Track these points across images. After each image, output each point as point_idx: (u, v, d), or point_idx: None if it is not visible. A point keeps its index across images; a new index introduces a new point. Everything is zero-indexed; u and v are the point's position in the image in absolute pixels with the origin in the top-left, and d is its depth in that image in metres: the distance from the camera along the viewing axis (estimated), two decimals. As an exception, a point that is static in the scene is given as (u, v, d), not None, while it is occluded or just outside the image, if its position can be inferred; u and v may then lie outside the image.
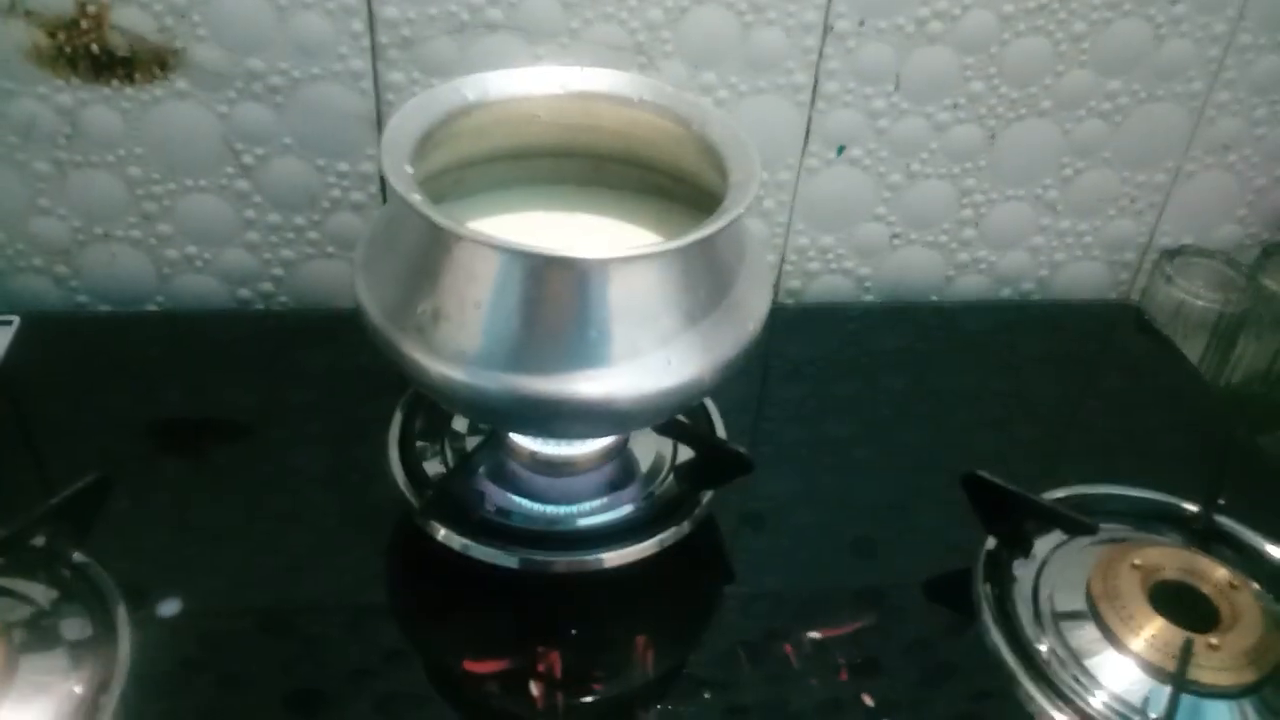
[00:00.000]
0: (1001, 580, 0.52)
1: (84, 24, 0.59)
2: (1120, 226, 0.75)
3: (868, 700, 0.48)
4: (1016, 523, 0.53)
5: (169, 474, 0.57)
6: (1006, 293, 0.77)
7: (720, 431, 0.59)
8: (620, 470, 0.56)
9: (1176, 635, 0.48)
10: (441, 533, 0.51)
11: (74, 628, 0.47)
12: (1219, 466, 0.57)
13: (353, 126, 0.64)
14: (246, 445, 0.59)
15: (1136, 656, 0.48)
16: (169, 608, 0.49)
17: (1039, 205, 0.73)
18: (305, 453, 0.59)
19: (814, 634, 0.50)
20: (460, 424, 0.58)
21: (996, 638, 0.50)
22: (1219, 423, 0.67)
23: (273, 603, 0.51)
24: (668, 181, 0.56)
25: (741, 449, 0.53)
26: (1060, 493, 0.56)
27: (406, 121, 0.49)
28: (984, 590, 0.52)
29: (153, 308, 0.69)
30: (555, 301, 0.44)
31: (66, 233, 0.66)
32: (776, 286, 0.74)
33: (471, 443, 0.57)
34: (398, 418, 0.57)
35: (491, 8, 0.61)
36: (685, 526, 0.53)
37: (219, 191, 0.65)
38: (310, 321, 0.69)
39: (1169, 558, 0.52)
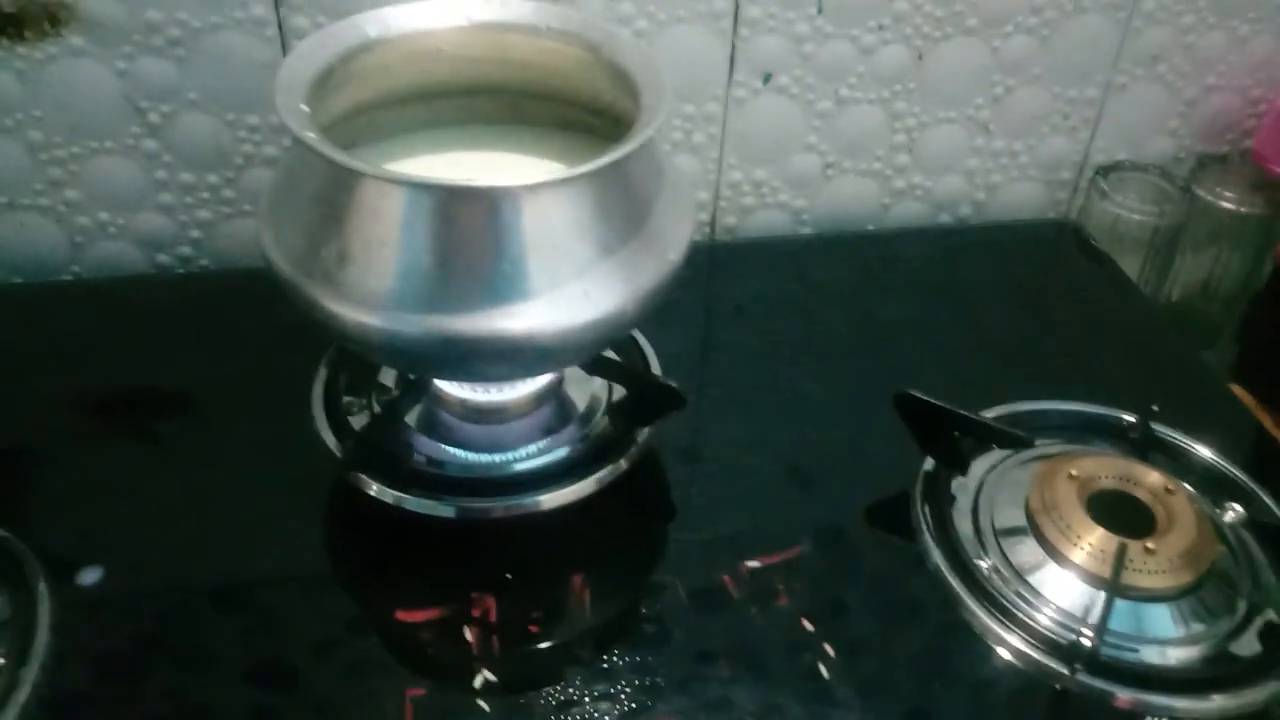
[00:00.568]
0: (940, 501, 0.52)
1: (-37, -21, 0.56)
2: (1054, 145, 0.74)
3: (808, 625, 0.47)
4: (951, 441, 0.52)
5: (94, 448, 0.55)
6: (944, 218, 0.76)
7: (655, 369, 0.58)
8: (554, 414, 0.55)
9: (1114, 543, 0.48)
10: (374, 488, 0.50)
11: (-10, 603, 0.46)
12: (1155, 374, 0.56)
13: (259, 77, 0.61)
14: (173, 414, 0.58)
15: (1077, 567, 0.48)
16: (90, 576, 0.48)
17: (972, 126, 0.72)
18: (234, 419, 0.57)
19: (755, 563, 0.50)
20: (387, 377, 0.57)
21: (937, 558, 0.50)
22: (1157, 336, 0.67)
23: (205, 572, 0.49)
24: (582, 115, 0.54)
25: (672, 383, 0.52)
26: (997, 410, 0.56)
27: (303, 59, 0.47)
28: (923, 511, 0.52)
29: (68, 278, 0.67)
30: (464, 236, 0.43)
31: (-32, 203, 0.63)
32: (712, 224, 0.73)
33: (395, 396, 0.55)
34: (322, 374, 0.56)
35: (395, -56, 0.58)
36: (622, 464, 0.52)
37: (126, 153, 0.63)
38: (232, 283, 0.67)
39: (1105, 467, 0.51)
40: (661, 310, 0.48)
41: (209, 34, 0.60)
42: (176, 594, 0.48)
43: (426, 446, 0.53)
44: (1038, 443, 0.53)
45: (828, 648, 0.46)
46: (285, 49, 0.61)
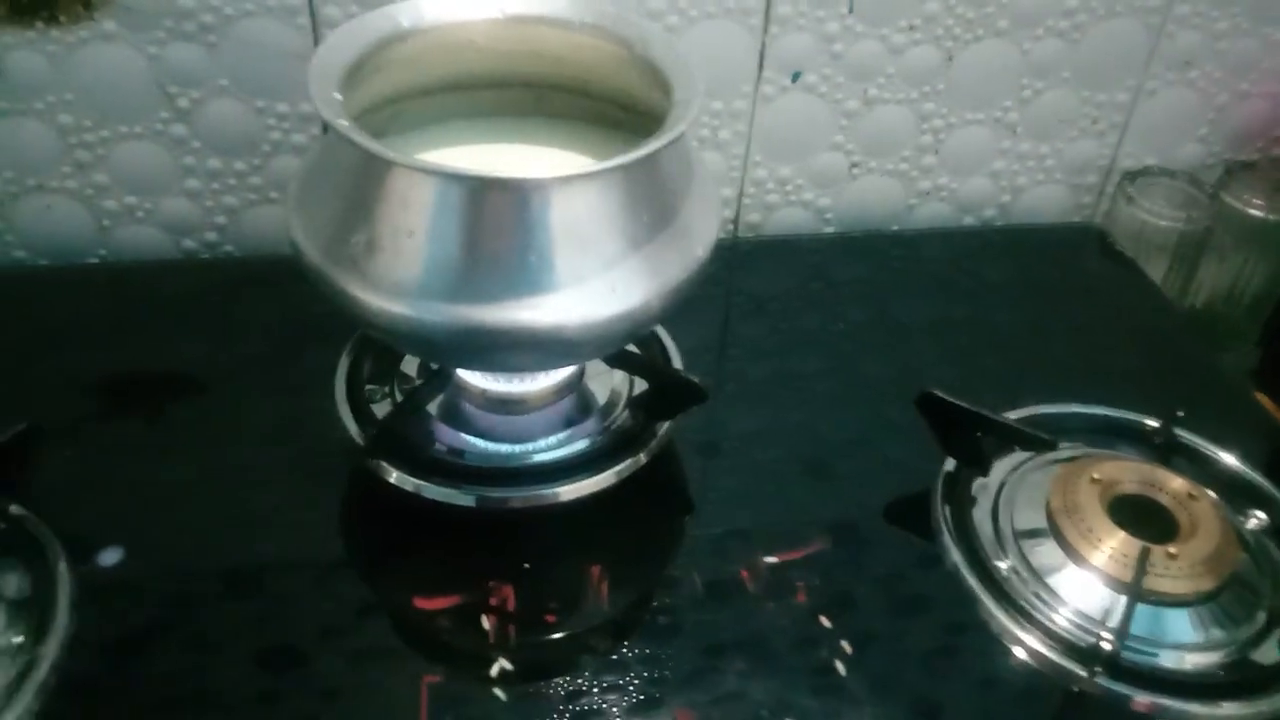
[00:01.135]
0: (960, 501, 0.52)
1: (0, -38, 0.57)
2: (1082, 148, 0.74)
3: (826, 622, 0.47)
4: (973, 442, 0.52)
5: (117, 430, 0.55)
6: (969, 220, 0.76)
7: (676, 363, 0.58)
8: (575, 406, 0.55)
9: (1136, 547, 0.48)
10: (394, 475, 0.50)
11: (11, 583, 0.46)
12: (1179, 380, 0.56)
13: (290, 65, 0.62)
14: (196, 399, 0.58)
15: (1097, 570, 0.48)
16: (110, 557, 0.48)
17: (999, 128, 0.71)
18: (256, 404, 0.57)
19: (772, 559, 0.50)
20: (409, 366, 0.57)
21: (956, 558, 0.50)
22: (1181, 341, 0.67)
23: (227, 556, 0.50)
24: (612, 109, 0.54)
25: (694, 377, 0.52)
26: (1020, 413, 0.55)
27: (336, 48, 0.47)
28: (943, 512, 0.52)
29: (94, 261, 0.67)
30: (492, 227, 0.43)
31: (-2, 185, 0.64)
32: (736, 221, 0.73)
33: (418, 385, 0.55)
34: (344, 363, 0.56)
35: (427, -66, 0.58)
36: (642, 458, 0.52)
37: (155, 138, 0.63)
38: (256, 270, 0.67)
39: (1128, 471, 0.51)
40: (683, 305, 0.48)
41: (241, 21, 0.60)
42: (196, 576, 0.48)
43: (447, 435, 0.53)
44: (1059, 445, 0.53)
45: (845, 644, 0.46)
46: (316, 37, 0.61)
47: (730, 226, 0.73)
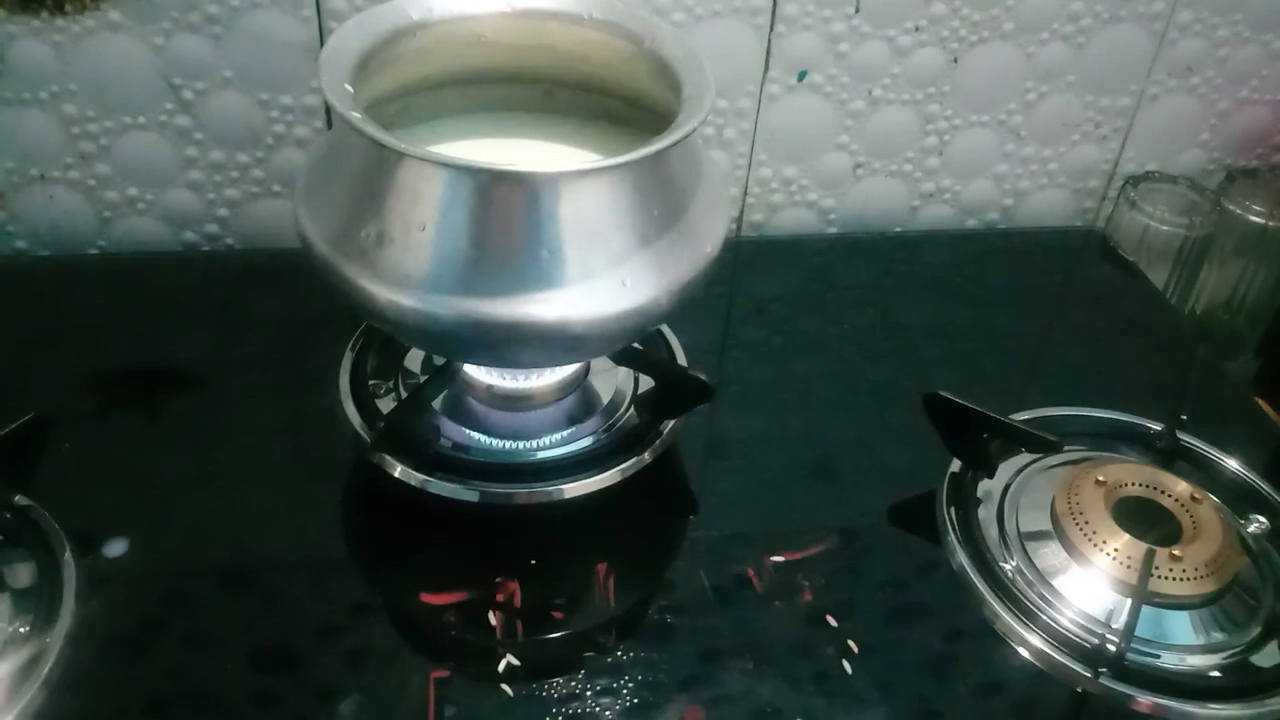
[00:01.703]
0: (966, 503, 0.52)
1: (6, -50, 0.56)
2: (1084, 153, 0.74)
3: (832, 621, 0.47)
4: (980, 443, 0.52)
5: (116, 422, 0.55)
6: (972, 223, 0.76)
7: (682, 362, 0.58)
8: (579, 404, 0.55)
9: (1140, 549, 0.48)
10: (398, 469, 0.50)
11: (17, 573, 0.46)
12: (1182, 384, 0.56)
13: (295, 57, 0.61)
14: (196, 391, 0.58)
15: (1101, 572, 0.48)
16: (115, 548, 0.48)
17: (1003, 131, 0.72)
18: (256, 398, 0.57)
19: (777, 559, 0.50)
20: (413, 362, 0.57)
21: (962, 558, 0.50)
22: (1183, 346, 0.67)
23: (231, 549, 0.49)
24: (620, 106, 0.54)
25: (702, 375, 0.52)
26: (1024, 415, 0.56)
27: (347, 40, 0.47)
28: (948, 513, 0.52)
29: (94, 252, 0.67)
30: (504, 221, 0.43)
31: (0, 174, 0.63)
32: (739, 220, 0.73)
33: (424, 380, 0.55)
34: (348, 358, 0.56)
35: (436, -71, 0.58)
36: (646, 457, 0.52)
37: (158, 129, 0.63)
38: (258, 263, 0.67)
39: (1132, 474, 0.51)
40: (690, 303, 0.48)
41: (246, 13, 0.60)
42: (199, 571, 0.48)
43: (452, 431, 0.53)
44: (1065, 447, 0.53)
45: (851, 644, 0.46)
46: (322, 30, 0.61)
47: (734, 226, 0.73)
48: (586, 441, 0.53)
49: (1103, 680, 0.45)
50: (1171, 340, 0.68)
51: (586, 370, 0.56)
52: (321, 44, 0.61)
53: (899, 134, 0.70)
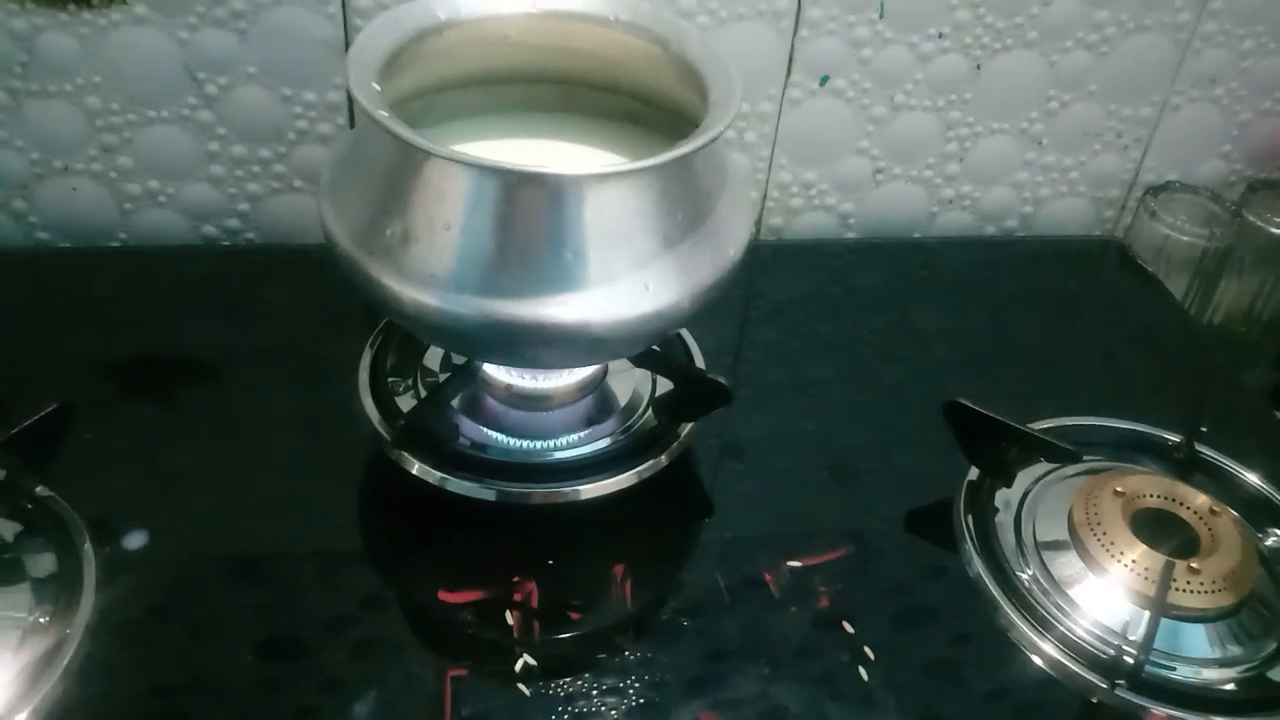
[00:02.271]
0: (983, 511, 0.52)
1: (35, -58, 0.57)
2: (1105, 162, 0.74)
3: (848, 627, 0.47)
4: (999, 452, 0.52)
5: (134, 413, 0.55)
6: (990, 230, 0.76)
7: (700, 365, 0.58)
8: (597, 405, 0.55)
9: (1157, 561, 0.48)
10: (416, 467, 0.50)
11: (38, 562, 0.46)
12: (1201, 396, 0.56)
13: (319, 53, 0.61)
14: (214, 384, 0.58)
15: (1117, 582, 0.48)
16: (135, 540, 0.48)
17: (1024, 139, 0.72)
18: (274, 392, 0.57)
19: (794, 563, 0.50)
20: (432, 360, 0.57)
21: (979, 567, 0.50)
22: (1202, 357, 0.67)
23: (244, 542, 0.50)
24: (643, 108, 0.54)
25: (721, 379, 0.52)
26: (1042, 424, 0.55)
27: (374, 38, 0.47)
28: (966, 521, 0.52)
29: (115, 244, 0.67)
30: (529, 222, 0.43)
31: (24, 166, 0.64)
32: (758, 224, 0.73)
33: (444, 378, 0.55)
34: (368, 355, 0.56)
35: (462, -72, 0.58)
36: (663, 460, 0.52)
37: (181, 123, 0.63)
38: (277, 258, 0.67)
39: (1151, 485, 0.51)
40: (712, 306, 0.48)
41: (272, 8, 0.60)
42: (215, 562, 0.48)
43: (470, 429, 0.53)
44: (1083, 457, 0.53)
45: (867, 650, 0.46)
46: (347, 27, 0.61)
47: (752, 229, 0.73)
48: (604, 443, 0.53)
49: (1119, 692, 0.45)
50: (1190, 351, 0.68)
51: (605, 371, 0.56)
52: (346, 40, 0.61)
53: (920, 140, 0.70)
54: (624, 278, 0.44)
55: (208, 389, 0.57)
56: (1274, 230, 0.70)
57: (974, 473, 0.53)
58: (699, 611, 0.48)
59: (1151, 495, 0.51)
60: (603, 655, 0.46)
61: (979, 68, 0.68)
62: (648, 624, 0.48)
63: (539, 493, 0.50)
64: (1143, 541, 0.49)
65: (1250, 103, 0.72)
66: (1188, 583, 0.47)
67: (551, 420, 0.54)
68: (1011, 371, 0.65)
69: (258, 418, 0.56)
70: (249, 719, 0.43)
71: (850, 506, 0.55)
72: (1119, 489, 0.51)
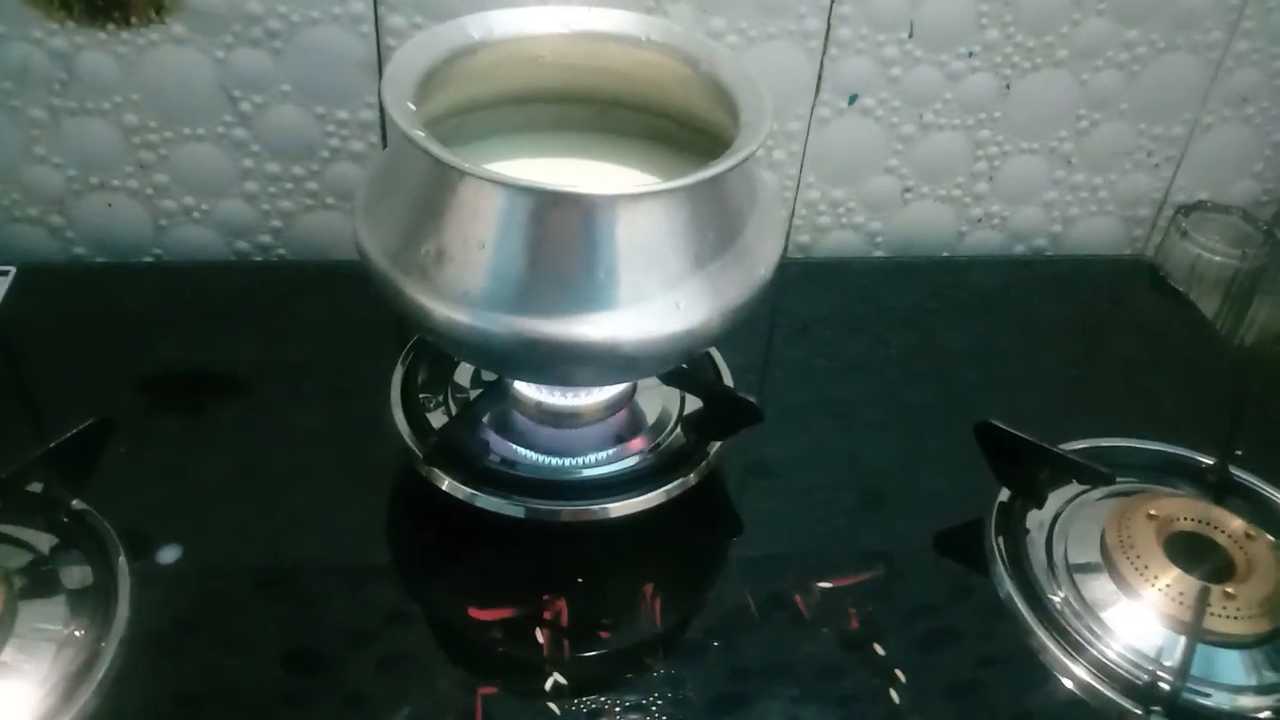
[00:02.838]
0: (1014, 532, 0.52)
1: (77, -36, 0.58)
2: (1136, 181, 0.73)
3: (879, 650, 0.47)
4: (1030, 474, 0.52)
5: (167, 427, 0.56)
6: (1019, 249, 0.76)
7: (728, 383, 0.58)
8: (627, 422, 0.55)
9: (1192, 585, 0.47)
10: (446, 483, 0.51)
11: (74, 575, 0.46)
12: (1235, 418, 0.56)
13: (353, 72, 0.62)
14: (245, 399, 0.58)
15: (1151, 606, 0.48)
16: (169, 554, 0.48)
17: (1054, 158, 0.71)
18: (305, 407, 0.58)
19: (824, 584, 0.50)
20: (463, 376, 0.57)
21: (1010, 589, 0.49)
22: (1234, 378, 0.66)
23: (276, 556, 0.50)
24: (675, 128, 0.55)
25: (751, 398, 0.52)
26: (1073, 445, 0.55)
27: (409, 58, 0.47)
28: (996, 542, 0.51)
29: (149, 259, 0.68)
30: (562, 241, 0.43)
31: (62, 182, 0.65)
32: (786, 241, 0.73)
33: (475, 395, 0.56)
34: (399, 371, 0.56)
35: (495, -51, 0.59)
36: (691, 479, 0.52)
37: (216, 140, 0.64)
38: (309, 274, 0.68)
39: (1185, 508, 0.51)
40: (742, 326, 0.48)
41: (306, 28, 0.61)
42: (252, 577, 0.49)
43: (500, 446, 0.53)
44: (1115, 479, 0.53)
45: (898, 673, 0.46)
46: (380, 46, 0.61)
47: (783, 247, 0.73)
48: (633, 460, 0.53)
49: (1154, 718, 0.44)
50: (1222, 372, 0.67)
51: (634, 389, 0.56)
52: (379, 60, 0.62)
53: (949, 159, 0.70)
54: (655, 297, 0.44)
55: (240, 404, 0.58)
56: (1307, 250, 0.70)
57: (1005, 494, 0.53)
58: (728, 631, 0.48)
59: (1185, 518, 0.50)
60: (632, 674, 0.46)
61: (1009, 87, 0.68)
62: (677, 643, 0.48)
63: (568, 510, 0.51)
64: (1177, 565, 0.48)
65: (1283, 122, 0.72)
66: (1224, 608, 0.47)
67: (581, 437, 0.54)
68: (1041, 392, 0.64)
69: (289, 432, 0.56)
70: (281, 734, 0.43)
71: (880, 527, 0.54)
72: (1152, 511, 0.50)
